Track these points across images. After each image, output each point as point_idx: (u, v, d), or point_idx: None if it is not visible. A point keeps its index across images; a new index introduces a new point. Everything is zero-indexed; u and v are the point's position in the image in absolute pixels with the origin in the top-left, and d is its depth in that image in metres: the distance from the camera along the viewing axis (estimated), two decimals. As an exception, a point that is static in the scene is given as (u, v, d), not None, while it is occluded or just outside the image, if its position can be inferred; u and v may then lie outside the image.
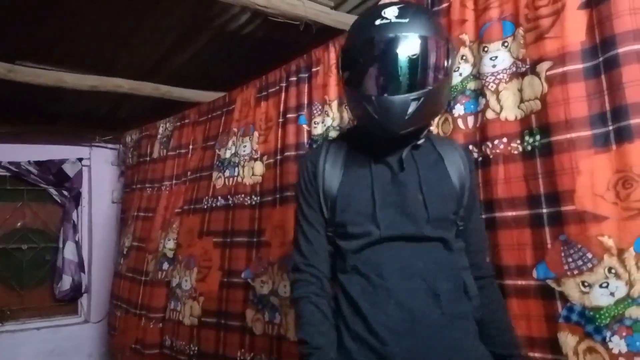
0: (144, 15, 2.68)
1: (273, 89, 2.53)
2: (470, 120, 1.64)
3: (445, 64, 1.14)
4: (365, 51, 1.15)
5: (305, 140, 2.29)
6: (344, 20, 2.65)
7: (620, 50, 1.28)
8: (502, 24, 1.57)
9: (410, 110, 1.10)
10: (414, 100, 1.10)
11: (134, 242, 3.51)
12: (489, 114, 1.56)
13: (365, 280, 1.15)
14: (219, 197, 2.74)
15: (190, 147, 3.15)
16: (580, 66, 1.35)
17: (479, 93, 1.60)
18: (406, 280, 1.13)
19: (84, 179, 4.37)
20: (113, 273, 3.85)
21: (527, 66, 1.48)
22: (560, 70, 1.38)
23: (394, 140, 1.19)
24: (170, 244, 3.06)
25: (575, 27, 1.37)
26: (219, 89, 3.37)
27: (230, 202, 2.65)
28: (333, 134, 2.14)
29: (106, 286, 4.05)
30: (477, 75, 1.62)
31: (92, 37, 2.89)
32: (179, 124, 3.30)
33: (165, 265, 3.06)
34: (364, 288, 1.15)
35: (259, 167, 2.53)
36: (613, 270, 1.24)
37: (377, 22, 1.13)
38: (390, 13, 1.12)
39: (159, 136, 3.48)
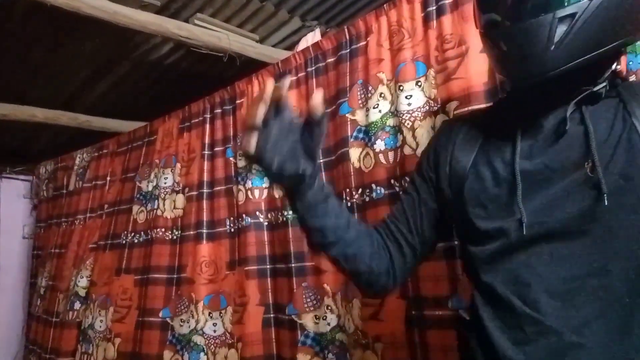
0: (59, 44, 2.58)
1: (196, 120, 2.49)
2: (391, 155, 1.67)
3: None
4: None
5: (233, 173, 2.25)
6: (269, 53, 2.68)
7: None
8: (416, 64, 1.64)
9: (559, 36, 0.74)
10: (562, 19, 0.74)
11: (49, 281, 3.27)
12: (407, 150, 1.60)
13: (503, 307, 0.79)
14: (141, 232, 2.62)
15: (108, 179, 3.00)
16: (483, 106, 1.44)
17: (397, 130, 1.65)
18: (570, 307, 0.74)
19: (-9, 213, 4.05)
20: (27, 316, 3.56)
21: (439, 105, 1.55)
22: (465, 109, 1.46)
23: (553, 94, 0.82)
24: (83, 282, 2.87)
25: (478, 70, 1.46)
26: (142, 119, 3.28)
27: (149, 236, 2.54)
28: (257, 165, 2.12)
29: (15, 330, 3.73)
30: (395, 113, 1.67)
31: (2, 65, 2.73)
32: (96, 154, 3.15)
33: (77, 305, 2.86)
34: (503, 318, 0.79)
35: (180, 200, 2.46)
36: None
37: None
38: None
39: (75, 167, 3.30)
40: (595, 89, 0.80)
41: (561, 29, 0.74)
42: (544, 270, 0.76)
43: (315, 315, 1.83)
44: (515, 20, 0.78)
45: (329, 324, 1.78)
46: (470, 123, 0.97)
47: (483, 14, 0.85)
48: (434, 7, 1.59)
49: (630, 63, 1.20)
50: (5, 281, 4.03)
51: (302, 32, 2.63)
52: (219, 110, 2.37)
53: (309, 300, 1.86)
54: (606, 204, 0.73)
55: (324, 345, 1.78)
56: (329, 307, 1.79)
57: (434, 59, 1.58)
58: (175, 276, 2.35)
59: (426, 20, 1.62)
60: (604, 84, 0.81)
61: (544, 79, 0.77)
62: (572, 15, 0.73)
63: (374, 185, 1.68)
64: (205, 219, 2.30)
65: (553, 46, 0.74)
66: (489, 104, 1.35)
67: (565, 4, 0.74)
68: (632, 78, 1.18)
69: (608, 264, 0.73)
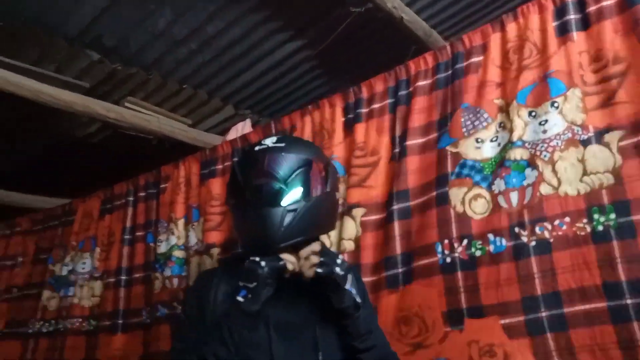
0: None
1: (118, 202, 2.48)
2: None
3: (322, 181, 1.23)
4: (244, 172, 1.24)
5: (153, 259, 2.22)
6: (201, 137, 2.76)
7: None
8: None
9: (287, 221, 1.15)
10: (290, 211, 1.16)
11: None
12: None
13: None
14: (51, 321, 2.50)
15: (19, 259, 2.88)
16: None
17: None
18: None
19: None
20: None
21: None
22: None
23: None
24: (-21, 378, 2.64)
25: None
26: (63, 196, 3.20)
27: (61, 326, 2.43)
28: (177, 253, 2.12)
29: None
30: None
31: None
32: (8, 232, 3.03)
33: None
34: None
35: (98, 287, 2.38)
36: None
37: (257, 147, 1.26)
38: (269, 140, 1.26)
39: (-19, 245, 3.12)
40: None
41: (289, 217, 1.15)
42: None
43: None
44: (260, 206, 1.17)
45: None
46: (226, 278, 1.26)
47: (237, 195, 1.24)
48: (352, 115, 1.77)
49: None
50: None
51: (235, 119, 2.73)
52: (142, 194, 2.39)
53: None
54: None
55: None
56: None
57: (349, 163, 1.72)
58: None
59: (346, 125, 1.78)
60: None
61: (276, 249, 1.16)
62: (295, 210, 1.16)
63: None
64: (121, 308, 2.24)
65: (283, 228, 1.14)
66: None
67: (292, 201, 1.16)
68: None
69: None
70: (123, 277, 2.30)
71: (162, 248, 2.18)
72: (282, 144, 1.24)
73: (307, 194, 1.19)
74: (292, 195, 1.18)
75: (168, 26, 2.15)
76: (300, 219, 1.17)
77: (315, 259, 1.17)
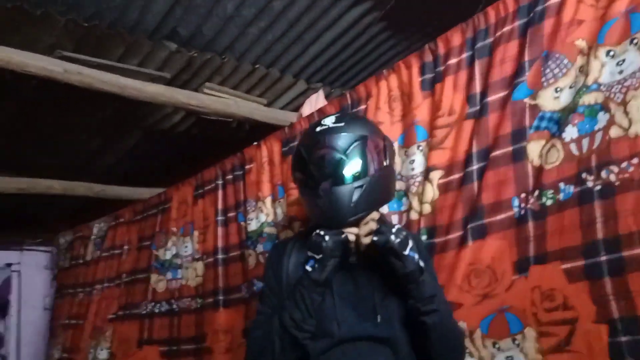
0: (70, 116, 2.73)
1: (209, 187, 2.60)
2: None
3: (382, 156, 1.34)
4: (309, 154, 1.34)
5: (245, 238, 2.32)
6: (277, 116, 2.81)
7: None
8: (415, 128, 1.71)
9: (355, 197, 1.27)
10: (357, 188, 1.28)
11: (64, 353, 3.37)
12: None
13: None
14: (162, 302, 2.70)
15: (125, 247, 3.12)
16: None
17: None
18: None
19: (13, 285, 4.19)
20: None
21: None
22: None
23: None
24: (104, 354, 2.96)
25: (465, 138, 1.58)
26: (156, 185, 3.41)
27: (175, 306, 2.62)
28: (268, 229, 2.19)
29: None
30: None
31: (14, 139, 2.89)
32: (113, 223, 3.29)
33: (98, 378, 2.91)
34: None
35: (200, 268, 2.54)
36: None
37: (318, 128, 1.35)
38: (329, 120, 1.36)
39: (92, 237, 3.44)
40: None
41: (357, 193, 1.27)
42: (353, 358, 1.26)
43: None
44: (334, 184, 1.28)
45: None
46: (297, 247, 1.41)
47: (303, 172, 1.36)
48: (432, 75, 1.70)
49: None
50: (27, 354, 4.10)
51: (308, 94, 2.75)
52: (230, 176, 2.48)
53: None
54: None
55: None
56: None
57: (432, 125, 1.68)
58: (200, 346, 2.41)
59: (425, 86, 1.72)
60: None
61: (346, 223, 1.28)
62: (362, 186, 1.28)
63: None
64: (221, 285, 2.37)
65: (352, 204, 1.27)
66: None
67: (359, 178, 1.28)
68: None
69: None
70: (220, 257, 2.41)
71: (253, 226, 2.26)
72: (342, 124, 1.32)
73: (369, 169, 1.30)
74: (354, 167, 1.28)
75: (237, 9, 2.18)
76: (366, 194, 1.28)
77: (373, 225, 1.30)
